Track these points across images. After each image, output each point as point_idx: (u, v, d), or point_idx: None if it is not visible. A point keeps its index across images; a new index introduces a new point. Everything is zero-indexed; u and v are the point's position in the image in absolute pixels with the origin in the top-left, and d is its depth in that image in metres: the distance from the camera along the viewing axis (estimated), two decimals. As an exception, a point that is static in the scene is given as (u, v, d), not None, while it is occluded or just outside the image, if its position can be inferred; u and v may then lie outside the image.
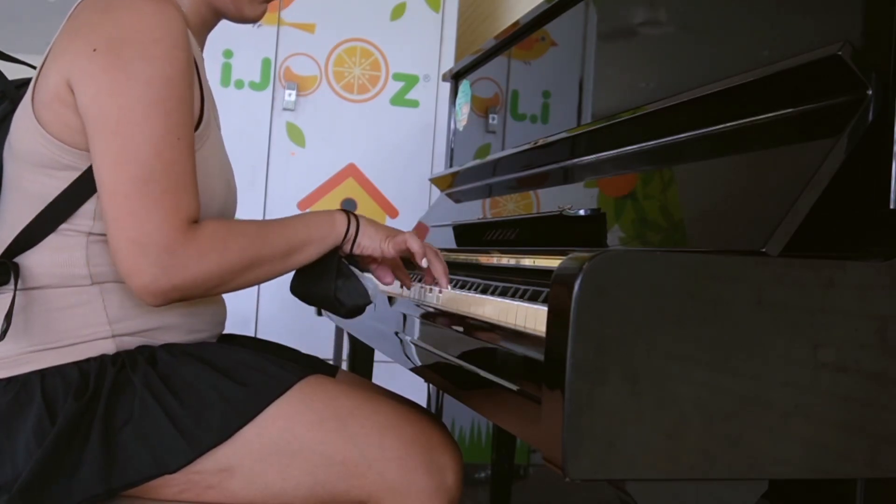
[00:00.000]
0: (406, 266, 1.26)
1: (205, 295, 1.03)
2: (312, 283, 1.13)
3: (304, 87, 2.80)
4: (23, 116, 1.04)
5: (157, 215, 0.95)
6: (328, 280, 1.11)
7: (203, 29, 1.17)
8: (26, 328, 1.01)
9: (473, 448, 2.24)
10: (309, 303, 1.16)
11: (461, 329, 1.07)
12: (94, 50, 0.97)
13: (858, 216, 0.84)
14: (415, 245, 1.14)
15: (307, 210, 2.81)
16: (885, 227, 0.81)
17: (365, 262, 1.20)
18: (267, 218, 2.77)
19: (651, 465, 0.70)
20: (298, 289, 1.15)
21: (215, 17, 1.18)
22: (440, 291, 1.20)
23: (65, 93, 0.99)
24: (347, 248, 1.13)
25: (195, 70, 1.06)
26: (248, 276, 1.04)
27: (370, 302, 1.14)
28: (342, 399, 1.06)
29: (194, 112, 1.04)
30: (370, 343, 1.65)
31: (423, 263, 1.15)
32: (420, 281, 1.33)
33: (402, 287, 1.29)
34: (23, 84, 1.12)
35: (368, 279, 1.15)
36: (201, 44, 1.18)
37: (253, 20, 1.19)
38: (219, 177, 1.11)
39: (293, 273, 1.14)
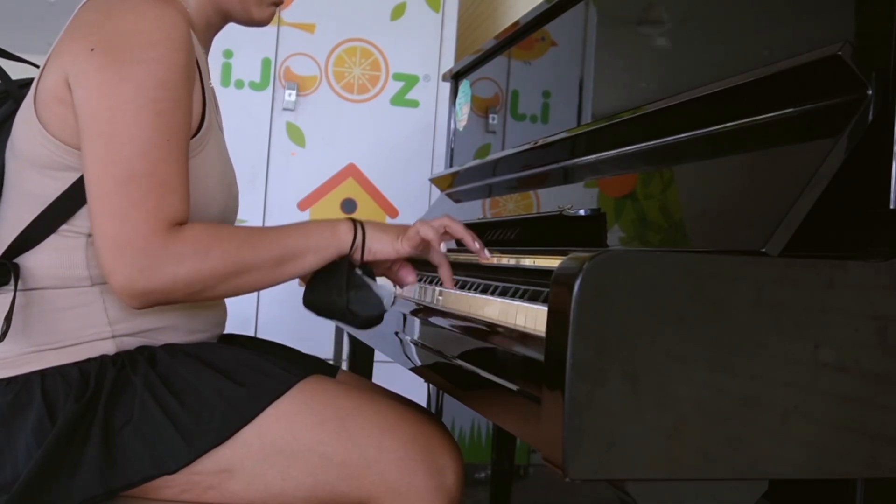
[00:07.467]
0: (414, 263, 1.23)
1: (189, 300, 1.01)
2: (324, 295, 1.08)
3: (304, 87, 2.80)
4: (25, 116, 1.04)
5: (136, 216, 0.95)
6: (339, 292, 1.07)
7: (208, 31, 1.17)
8: (27, 329, 1.01)
9: (473, 448, 2.24)
10: (322, 315, 1.12)
11: (461, 329, 1.07)
12: (92, 49, 0.97)
13: (858, 216, 0.84)
14: (429, 233, 1.08)
15: (307, 210, 2.81)
16: (885, 227, 0.81)
17: (380, 266, 1.14)
18: (267, 218, 2.77)
19: (651, 465, 0.70)
20: (311, 302, 1.10)
21: (222, 19, 1.17)
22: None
23: (64, 92, 0.99)
24: (358, 256, 1.08)
25: (197, 73, 1.06)
26: (234, 282, 1.01)
27: (385, 311, 1.09)
28: (342, 399, 1.06)
29: (195, 115, 1.04)
30: (370, 343, 1.65)
31: (443, 248, 1.11)
32: (432, 283, 1.32)
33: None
34: (26, 84, 1.12)
35: (383, 286, 1.10)
36: (206, 46, 1.17)
37: (261, 23, 1.18)
38: (219, 180, 1.11)
39: (305, 286, 1.11)
